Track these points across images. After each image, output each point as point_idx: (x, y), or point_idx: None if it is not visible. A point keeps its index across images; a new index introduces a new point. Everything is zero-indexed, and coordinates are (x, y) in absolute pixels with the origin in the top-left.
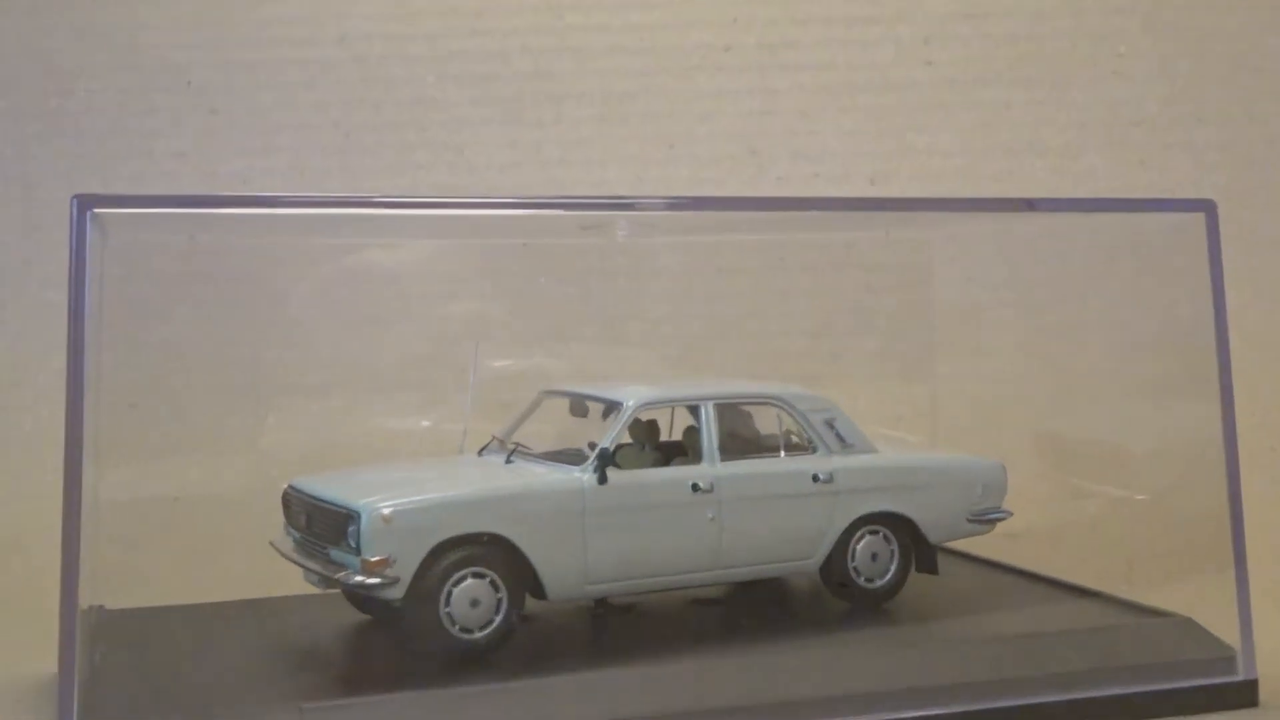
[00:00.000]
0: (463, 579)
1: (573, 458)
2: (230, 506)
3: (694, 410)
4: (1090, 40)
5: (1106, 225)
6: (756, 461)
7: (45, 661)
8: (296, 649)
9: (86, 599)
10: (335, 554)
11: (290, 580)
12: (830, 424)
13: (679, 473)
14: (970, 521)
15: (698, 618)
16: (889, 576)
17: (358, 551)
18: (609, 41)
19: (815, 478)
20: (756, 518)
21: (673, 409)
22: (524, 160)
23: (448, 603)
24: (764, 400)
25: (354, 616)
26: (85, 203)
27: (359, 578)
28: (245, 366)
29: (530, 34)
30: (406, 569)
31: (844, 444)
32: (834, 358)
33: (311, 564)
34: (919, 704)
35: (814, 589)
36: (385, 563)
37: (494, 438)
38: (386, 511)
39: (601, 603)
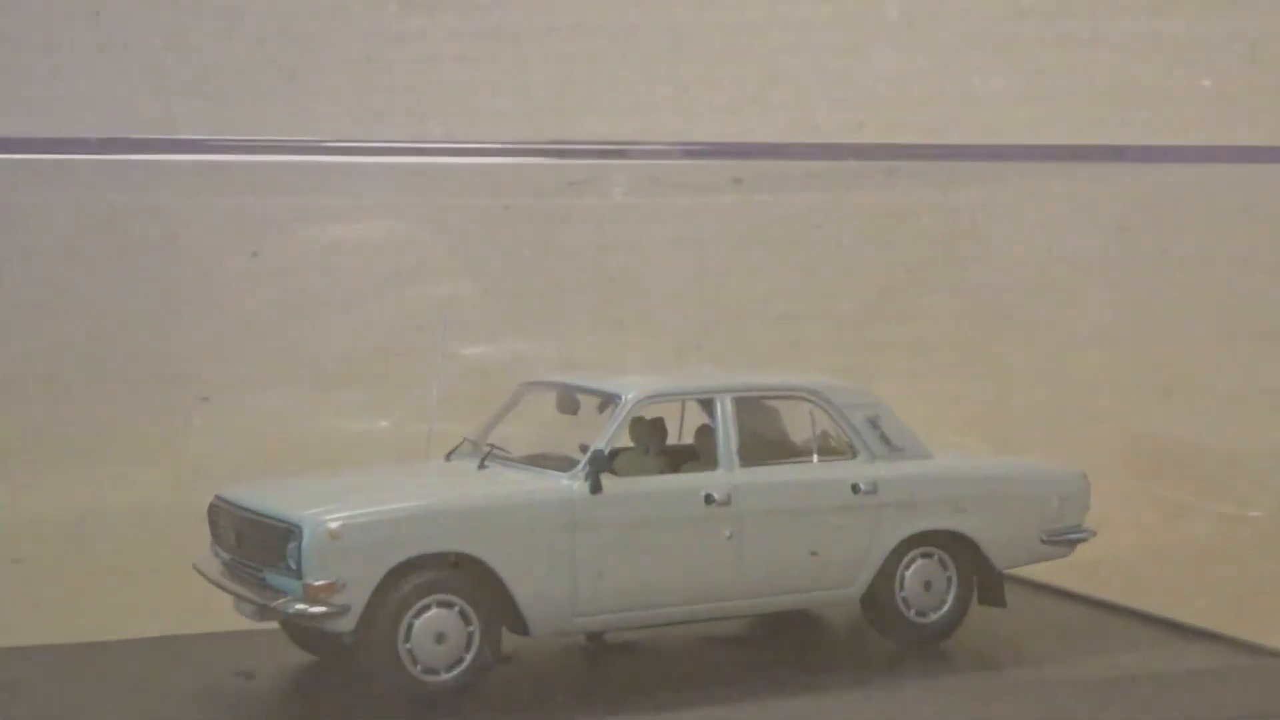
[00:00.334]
0: (426, 608)
1: (560, 463)
2: (144, 524)
3: (708, 405)
4: None
5: (1214, 180)
6: (784, 468)
7: None
8: (223, 697)
9: None
10: (272, 578)
11: (218, 611)
12: (873, 423)
13: (689, 481)
14: (1044, 543)
15: (712, 659)
16: (945, 609)
17: (299, 575)
18: None
19: (855, 488)
20: (783, 537)
21: (682, 404)
22: (508, 108)
23: (408, 637)
24: (793, 394)
25: (295, 655)
26: None
27: (300, 606)
28: (163, 356)
29: None
30: (358, 596)
31: (890, 447)
32: (877, 345)
33: (243, 590)
34: None
35: (853, 624)
36: (332, 588)
37: (465, 440)
38: (334, 526)
39: (594, 639)
